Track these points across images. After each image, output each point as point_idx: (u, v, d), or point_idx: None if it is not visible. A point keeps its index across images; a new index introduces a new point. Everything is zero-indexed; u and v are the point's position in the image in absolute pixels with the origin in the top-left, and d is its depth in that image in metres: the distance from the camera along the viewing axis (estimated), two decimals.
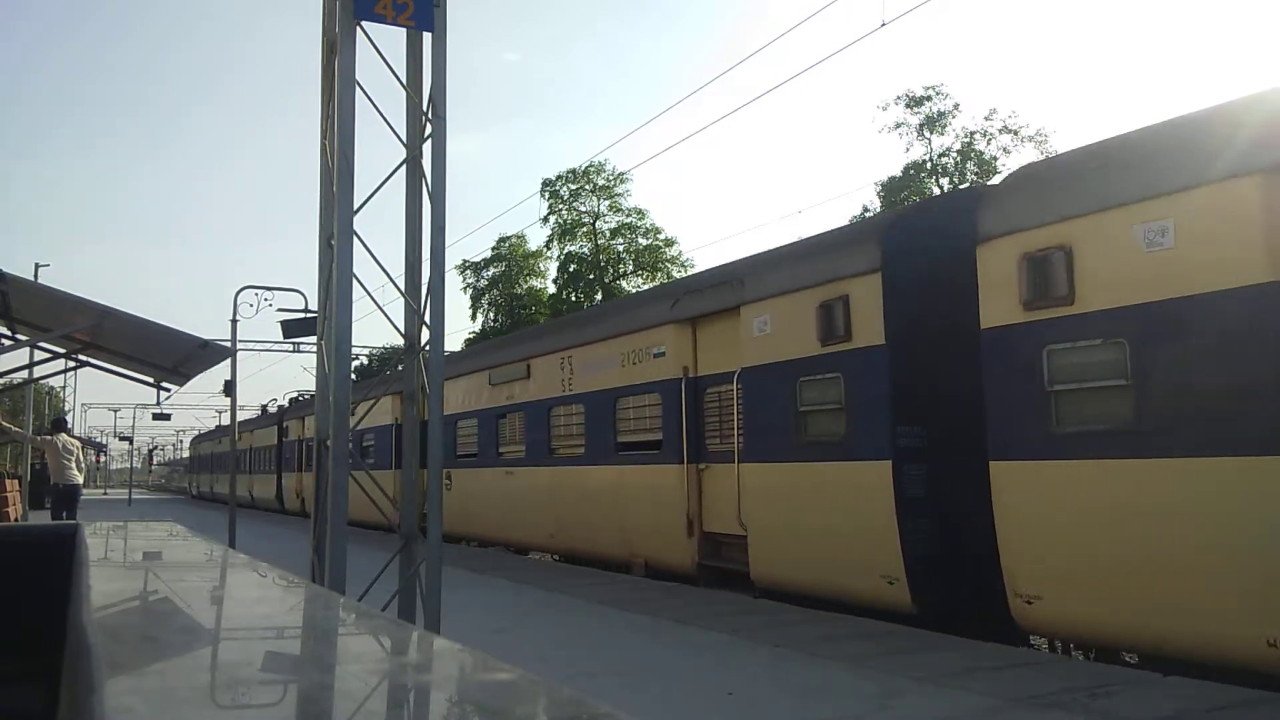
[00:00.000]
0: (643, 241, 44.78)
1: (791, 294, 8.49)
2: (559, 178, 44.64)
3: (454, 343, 45.82)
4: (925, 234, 8.03)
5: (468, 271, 47.01)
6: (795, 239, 11.74)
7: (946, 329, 7.43)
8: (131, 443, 64.75)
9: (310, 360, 36.96)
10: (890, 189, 36.20)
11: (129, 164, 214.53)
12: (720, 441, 9.60)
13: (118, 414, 72.94)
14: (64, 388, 47.59)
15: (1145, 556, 5.52)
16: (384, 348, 40.14)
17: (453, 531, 15.33)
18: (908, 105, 36.32)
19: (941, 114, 35.98)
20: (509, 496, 13.86)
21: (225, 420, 44.53)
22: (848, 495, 7.73)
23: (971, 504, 6.73)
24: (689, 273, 39.87)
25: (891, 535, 7.24)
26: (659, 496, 10.20)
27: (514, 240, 46.79)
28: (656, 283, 40.61)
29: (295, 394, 32.32)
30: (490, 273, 47.16)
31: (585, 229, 44.83)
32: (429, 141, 5.56)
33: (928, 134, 36.29)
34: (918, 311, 7.71)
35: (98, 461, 75.45)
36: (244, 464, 34.04)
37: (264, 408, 37.99)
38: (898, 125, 36.78)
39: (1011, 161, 34.57)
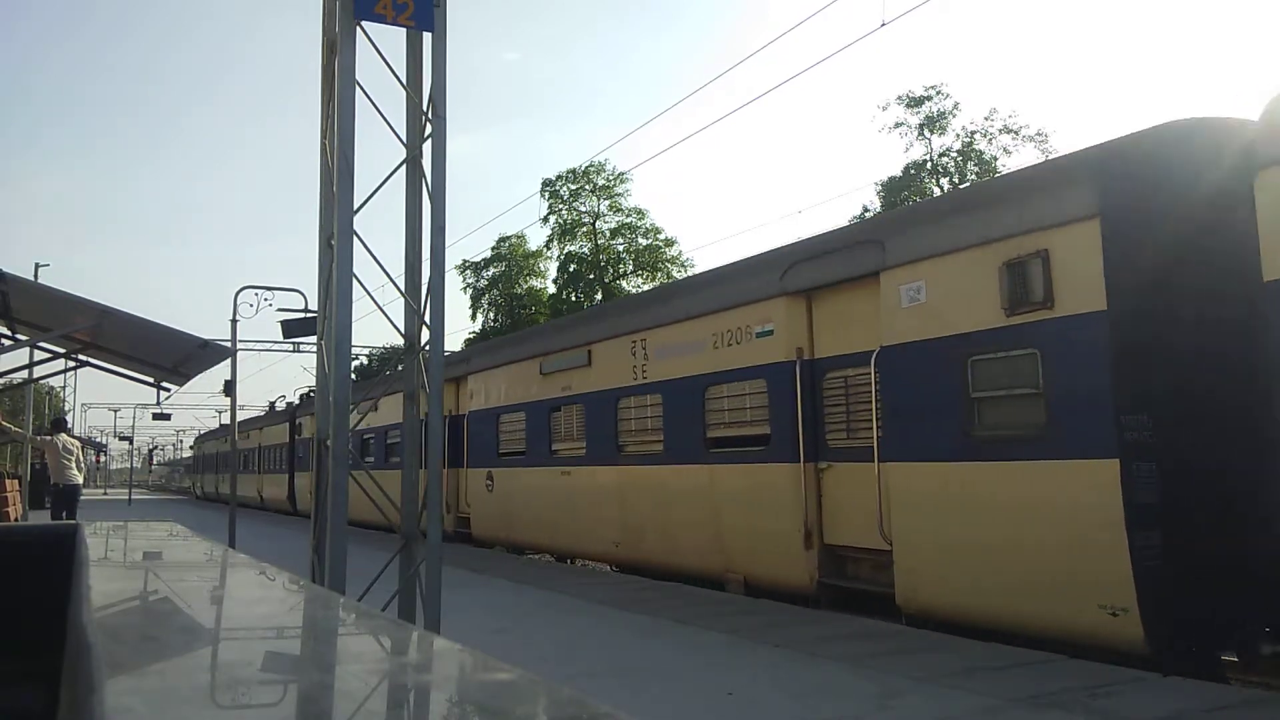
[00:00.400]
0: (643, 241, 44.81)
1: (959, 253, 6.95)
2: (559, 178, 44.70)
3: (454, 343, 45.87)
4: (1163, 165, 6.38)
5: (468, 271, 47.07)
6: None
7: (1197, 286, 6.07)
8: (131, 443, 64.79)
9: (310, 360, 36.97)
10: (890, 189, 36.22)
11: (129, 164, 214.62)
12: (847, 436, 8.10)
13: (118, 414, 73.13)
14: (64, 388, 47.69)
15: None
16: (384, 348, 40.15)
17: (492, 537, 14.67)
18: (908, 105, 36.34)
19: (941, 114, 36.00)
20: (563, 500, 12.32)
21: (228, 419, 44.30)
22: (1049, 502, 6.21)
23: (1231, 512, 5.70)
24: (689, 273, 39.95)
25: (1118, 553, 5.69)
26: (765, 502, 8.67)
27: (514, 240, 46.83)
28: (656, 283, 40.62)
29: (307, 390, 31.91)
30: (490, 273, 47.19)
31: (585, 229, 44.85)
32: (429, 141, 5.56)
33: (928, 134, 36.31)
34: (1151, 265, 6.07)
35: (98, 462, 75.48)
36: (252, 463, 33.32)
37: (271, 404, 37.18)
38: (898, 125, 36.82)
39: (1012, 162, 34.61)
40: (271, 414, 33.84)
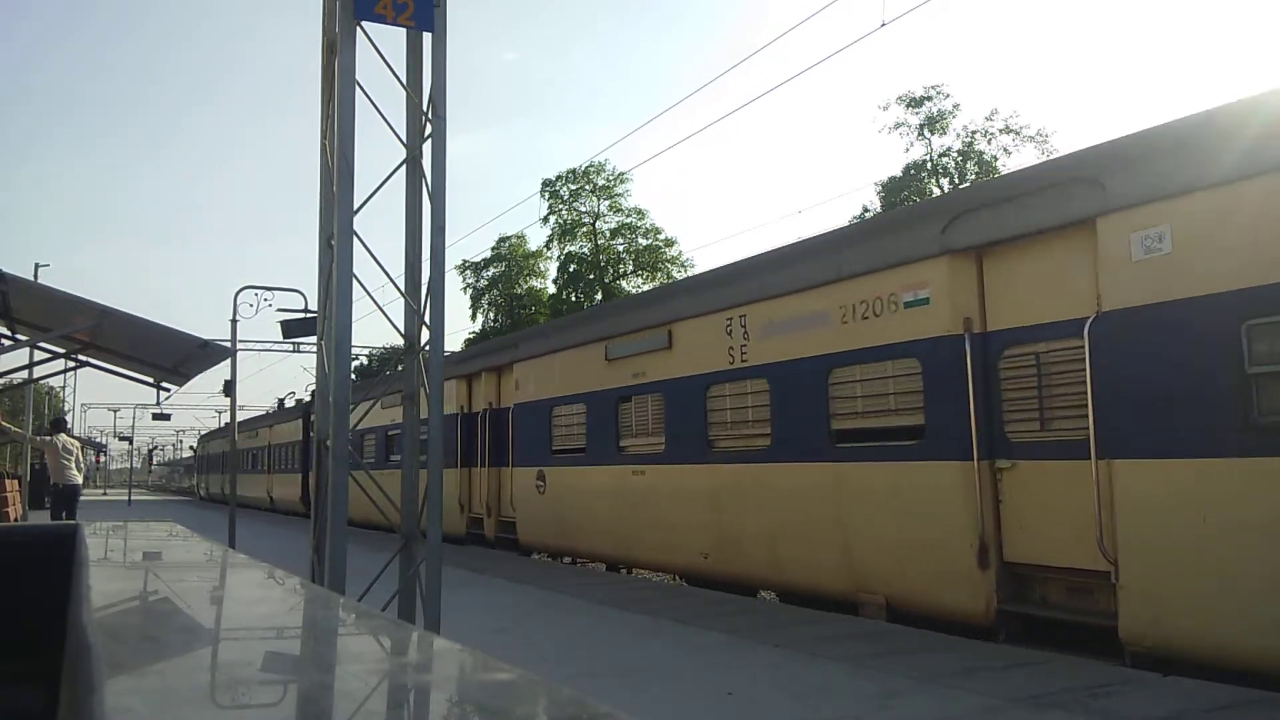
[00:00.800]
0: (643, 241, 44.84)
1: (1229, 186, 5.41)
2: (559, 178, 44.74)
3: (454, 343, 45.90)
4: None
5: (468, 271, 47.11)
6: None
7: None
8: (131, 443, 64.79)
9: (310, 360, 36.93)
10: (890, 189, 36.24)
11: (129, 164, 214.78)
12: (1040, 427, 6.54)
13: (117, 414, 73.10)
14: (64, 388, 47.71)
15: None
16: (384, 348, 40.16)
17: (543, 544, 13.23)
18: (908, 105, 36.36)
19: (942, 114, 36.03)
20: (635, 504, 10.71)
21: (227, 419, 44.20)
22: None
23: None
24: (689, 273, 39.95)
25: None
26: (918, 508, 7.15)
27: (514, 240, 46.88)
28: (656, 283, 40.61)
29: None
30: (490, 273, 47.23)
31: (585, 229, 44.89)
32: (429, 141, 5.57)
33: (928, 134, 36.33)
34: None
35: (97, 462, 75.51)
36: (261, 463, 32.51)
37: (280, 402, 36.66)
38: (898, 125, 36.85)
39: (1012, 162, 34.64)
40: (283, 411, 33.02)
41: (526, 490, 13.38)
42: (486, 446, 14.79)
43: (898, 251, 7.57)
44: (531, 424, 13.39)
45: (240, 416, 19.03)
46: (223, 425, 48.26)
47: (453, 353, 18.65)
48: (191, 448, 67.37)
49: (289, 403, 34.21)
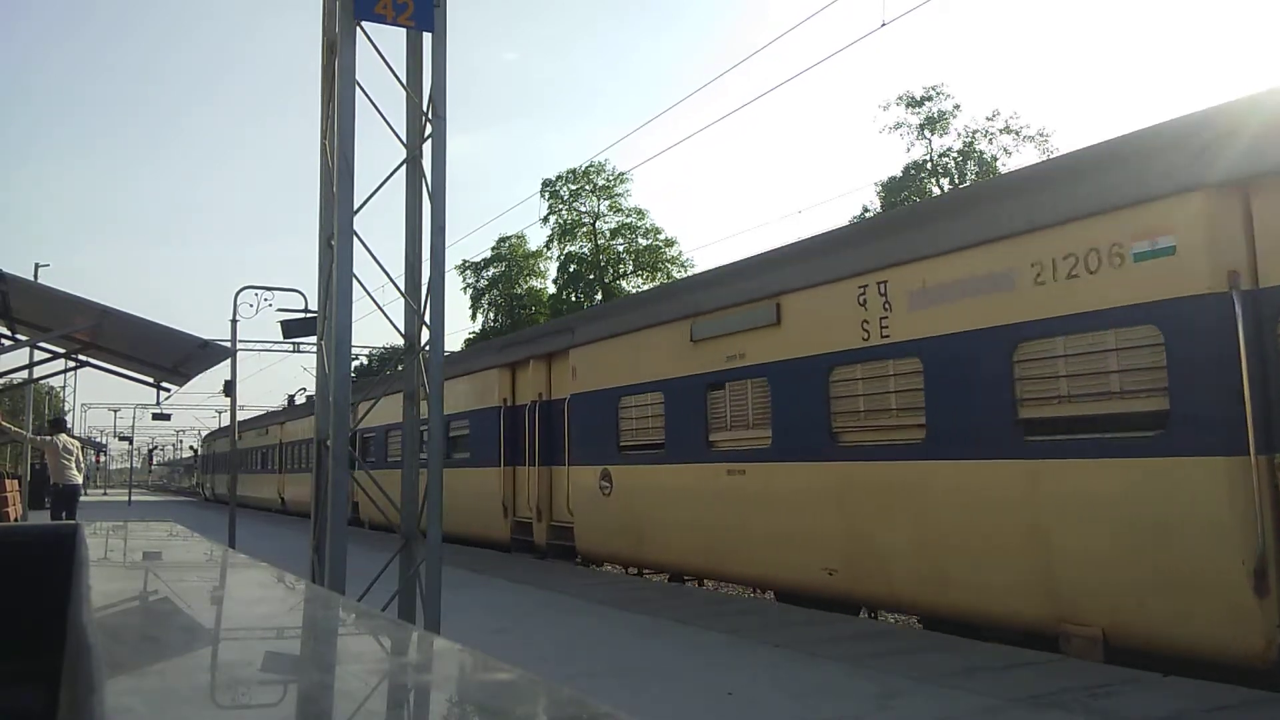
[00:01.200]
0: (643, 242, 44.91)
1: None
2: (559, 178, 44.84)
3: (454, 343, 45.91)
4: None
5: (468, 271, 47.19)
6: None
7: None
8: (131, 443, 64.82)
9: (310, 360, 36.88)
10: (890, 189, 36.26)
11: (129, 164, 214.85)
12: None
13: (118, 414, 73.12)
14: (64, 388, 47.73)
15: None
16: (384, 348, 40.17)
17: (610, 553, 11.68)
18: (908, 106, 36.39)
19: (942, 114, 36.06)
20: (734, 509, 9.13)
21: (226, 420, 44.06)
22: None
23: None
24: (689, 273, 39.96)
25: None
26: (1163, 517, 5.60)
27: (514, 240, 46.95)
28: (656, 283, 40.61)
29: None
30: (490, 273, 47.31)
31: (585, 229, 44.95)
32: (429, 141, 5.57)
33: (928, 134, 36.35)
34: None
35: (98, 462, 75.57)
36: (271, 461, 31.41)
37: (291, 398, 35.99)
38: (898, 125, 36.90)
39: (1012, 162, 34.64)
40: (295, 407, 31.93)
41: (587, 492, 11.83)
42: (537, 443, 13.26)
43: (1122, 189, 5.96)
44: (593, 417, 11.84)
45: (240, 416, 19.01)
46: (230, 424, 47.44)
47: (490, 340, 17.65)
48: (192, 448, 67.35)
49: (299, 399, 33.78)
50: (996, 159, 35.36)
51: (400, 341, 5.96)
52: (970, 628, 6.85)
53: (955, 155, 35.99)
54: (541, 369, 13.38)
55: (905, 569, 7.29)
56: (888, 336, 7.52)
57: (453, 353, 20.07)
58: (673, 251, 44.50)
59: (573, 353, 12.44)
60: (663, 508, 10.31)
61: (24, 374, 14.17)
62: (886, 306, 7.54)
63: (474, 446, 15.01)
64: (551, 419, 13.01)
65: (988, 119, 35.73)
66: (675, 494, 10.09)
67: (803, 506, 8.27)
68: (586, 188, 44.70)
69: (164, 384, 13.23)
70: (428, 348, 5.57)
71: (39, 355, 12.61)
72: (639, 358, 10.92)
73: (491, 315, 47.09)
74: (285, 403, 36.51)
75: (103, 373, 12.67)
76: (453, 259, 39.91)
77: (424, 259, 5.71)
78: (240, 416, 19.34)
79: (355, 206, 5.32)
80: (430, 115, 5.55)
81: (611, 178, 44.31)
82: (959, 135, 36.04)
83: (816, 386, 8.19)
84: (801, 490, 8.31)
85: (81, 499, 14.70)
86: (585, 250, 45.07)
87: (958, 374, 6.95)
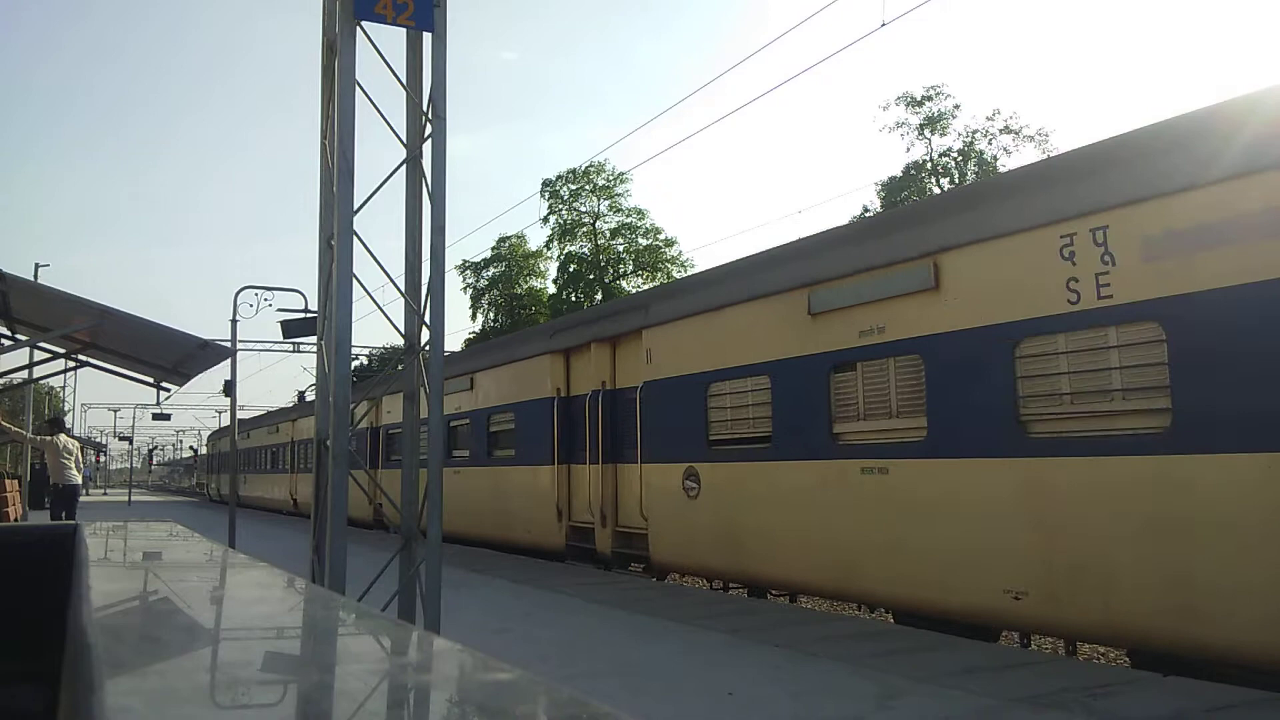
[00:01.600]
0: (643, 241, 44.92)
1: None
2: (559, 178, 44.89)
3: (454, 343, 45.94)
4: None
5: (468, 271, 47.22)
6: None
7: None
8: (131, 443, 64.85)
9: (310, 360, 36.90)
10: (891, 189, 36.28)
11: (129, 164, 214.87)
12: None
13: (117, 414, 73.12)
14: (64, 388, 47.73)
15: None
16: (384, 348, 40.17)
17: (698, 564, 10.08)
18: (908, 105, 36.41)
19: (942, 114, 36.08)
20: (871, 515, 7.51)
21: (226, 420, 44.04)
22: None
23: None
24: (689, 273, 39.99)
25: None
26: None
27: (514, 240, 46.97)
28: (656, 283, 40.64)
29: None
30: (490, 273, 47.33)
31: (585, 229, 44.96)
32: (429, 141, 5.57)
33: (928, 134, 36.37)
34: None
35: (98, 461, 75.58)
36: (282, 461, 30.26)
37: (300, 395, 35.66)
38: (898, 125, 36.92)
39: (1012, 161, 34.67)
40: (307, 404, 30.47)
41: (667, 493, 10.21)
42: (600, 438, 11.67)
43: None
44: (674, 407, 10.24)
45: (240, 416, 19.00)
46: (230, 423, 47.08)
47: (541, 324, 16.77)
48: (192, 448, 67.37)
49: (310, 395, 33.45)
50: (996, 159, 35.40)
51: (400, 341, 5.96)
52: (1252, 671, 5.19)
53: (955, 155, 36.02)
54: (605, 354, 11.70)
55: (1137, 593, 5.66)
56: (1109, 297, 5.91)
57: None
58: (673, 251, 44.55)
59: (646, 334, 10.76)
60: (770, 512, 8.74)
61: (24, 374, 14.19)
62: (1107, 259, 5.94)
63: (520, 443, 13.36)
64: (617, 410, 11.41)
65: (988, 119, 35.79)
66: (789, 496, 8.49)
67: (973, 514, 6.72)
68: (586, 188, 44.73)
69: (164, 384, 13.25)
70: (428, 348, 5.57)
71: (39, 355, 12.63)
72: (735, 337, 9.32)
73: (491, 315, 47.11)
74: (295, 399, 35.98)
75: (102, 373, 12.70)
76: (453, 259, 39.96)
77: (424, 259, 5.71)
78: (240, 416, 19.32)
79: (355, 206, 5.32)
80: (430, 115, 5.55)
81: (611, 178, 44.36)
82: (959, 135, 36.08)
83: (995, 364, 6.60)
84: (971, 494, 6.76)
85: (81, 499, 14.69)
86: (585, 250, 45.09)
87: (1224, 343, 5.30)
